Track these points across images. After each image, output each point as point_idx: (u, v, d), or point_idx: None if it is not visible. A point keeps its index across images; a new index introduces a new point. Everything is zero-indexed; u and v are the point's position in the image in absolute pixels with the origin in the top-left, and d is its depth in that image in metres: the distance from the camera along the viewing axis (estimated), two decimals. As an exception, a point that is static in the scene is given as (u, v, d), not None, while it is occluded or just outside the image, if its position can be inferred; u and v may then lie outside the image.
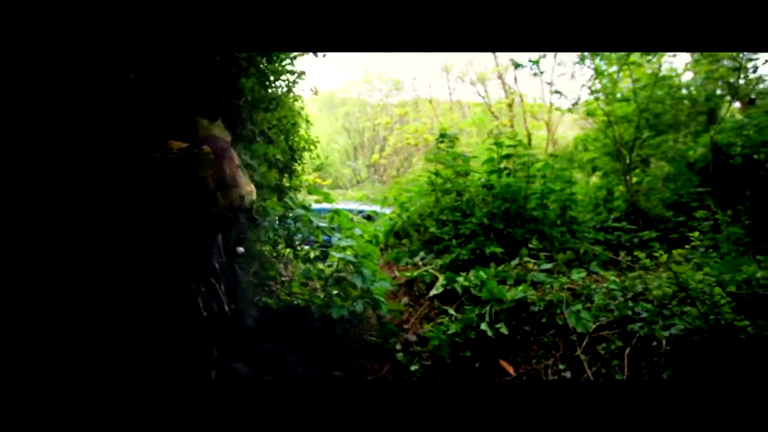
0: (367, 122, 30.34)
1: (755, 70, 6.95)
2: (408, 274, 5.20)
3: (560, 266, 4.82)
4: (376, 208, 7.70)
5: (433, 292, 4.87)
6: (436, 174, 6.33)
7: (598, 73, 8.09)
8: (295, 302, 4.44)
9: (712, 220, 4.94)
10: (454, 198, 6.23)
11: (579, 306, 4.08)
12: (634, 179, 6.82)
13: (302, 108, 4.73)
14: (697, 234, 3.35)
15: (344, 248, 4.21)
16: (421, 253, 5.85)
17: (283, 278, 4.77)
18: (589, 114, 8.51)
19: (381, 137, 31.30)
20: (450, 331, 4.12)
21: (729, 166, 6.34)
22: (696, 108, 8.21)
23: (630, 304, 3.98)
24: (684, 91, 8.41)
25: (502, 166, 6.13)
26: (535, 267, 4.87)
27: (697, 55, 8.14)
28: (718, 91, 8.40)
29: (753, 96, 7.84)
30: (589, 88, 7.84)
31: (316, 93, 4.58)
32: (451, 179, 6.26)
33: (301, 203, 4.16)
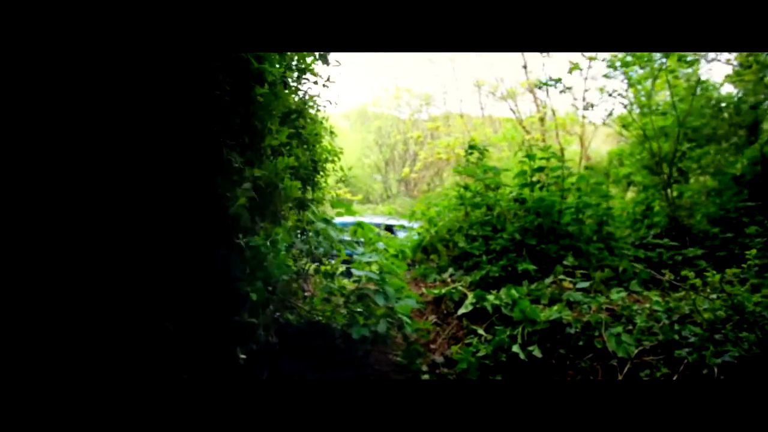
0: (399, 136, 30.33)
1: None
2: (436, 291, 4.98)
3: (598, 285, 4.53)
4: (405, 222, 7.51)
5: (461, 310, 4.63)
6: (466, 188, 6.11)
7: (631, 84, 7.79)
8: (317, 319, 4.26)
9: (766, 237, 4.57)
10: (485, 212, 5.99)
11: (619, 328, 3.78)
12: (674, 193, 6.46)
13: (326, 119, 4.59)
14: (754, 252, 3.03)
15: (368, 263, 4.02)
16: (450, 270, 5.62)
17: (305, 294, 4.61)
18: (624, 126, 8.20)
19: (412, 152, 31.27)
20: (480, 353, 3.88)
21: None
22: (737, 120, 7.82)
23: (676, 327, 3.67)
24: (723, 104, 8.06)
25: (534, 179, 5.87)
26: (571, 285, 4.58)
27: (737, 62, 7.75)
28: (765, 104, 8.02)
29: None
30: (622, 98, 7.57)
31: (334, 104, 4.47)
32: (481, 193, 6.03)
33: (323, 216, 3.99)
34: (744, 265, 3.17)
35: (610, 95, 8.02)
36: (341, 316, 4.14)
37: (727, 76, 8.25)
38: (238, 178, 3.03)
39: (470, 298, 4.66)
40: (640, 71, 7.78)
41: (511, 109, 23.98)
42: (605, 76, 8.13)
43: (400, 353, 4.24)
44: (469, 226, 5.99)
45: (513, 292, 4.33)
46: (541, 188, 5.84)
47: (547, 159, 5.80)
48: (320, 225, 3.79)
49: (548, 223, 5.44)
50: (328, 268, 4.17)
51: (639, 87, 7.88)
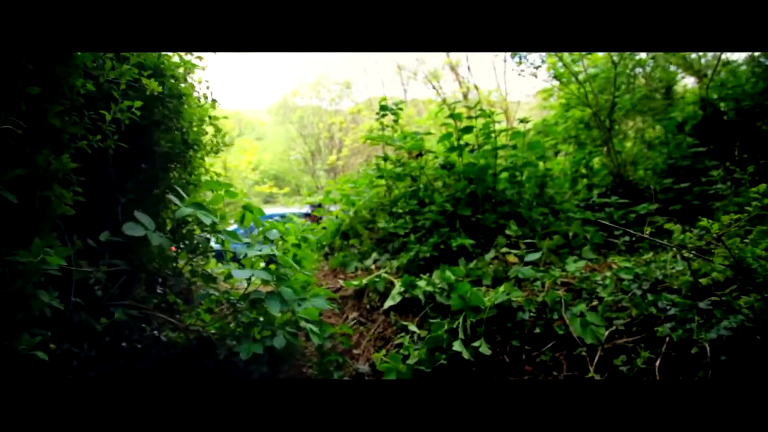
0: (321, 124, 29.40)
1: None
2: (356, 282, 4.04)
3: (548, 256, 3.76)
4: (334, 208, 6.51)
5: (388, 303, 3.74)
6: (385, 158, 5.20)
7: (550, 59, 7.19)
8: (206, 334, 3.25)
9: (730, 182, 3.96)
10: (409, 184, 5.13)
11: (582, 306, 3.01)
12: (616, 147, 5.84)
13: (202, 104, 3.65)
14: (764, 187, 2.29)
15: (258, 259, 3.05)
16: (374, 255, 4.72)
17: (191, 305, 3.59)
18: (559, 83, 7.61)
19: (337, 139, 30.51)
20: (412, 360, 2.99)
21: (722, 122, 5.43)
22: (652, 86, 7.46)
23: (650, 297, 2.94)
24: (639, 71, 7.77)
25: (462, 142, 5.06)
26: (517, 260, 3.79)
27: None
28: (672, 68, 7.76)
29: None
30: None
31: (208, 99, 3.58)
32: (402, 162, 5.15)
33: (193, 200, 2.97)
34: (733, 215, 2.44)
35: (536, 68, 7.44)
36: (231, 329, 3.16)
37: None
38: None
39: (397, 287, 3.77)
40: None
41: (434, 88, 23.52)
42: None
43: (314, 366, 3.32)
44: (392, 203, 5.10)
45: (448, 274, 3.47)
46: (471, 151, 5.03)
47: (474, 117, 4.98)
48: (185, 211, 2.75)
49: (482, 190, 4.63)
50: (205, 266, 3.17)
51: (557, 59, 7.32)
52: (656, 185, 5.22)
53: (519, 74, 6.96)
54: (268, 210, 8.25)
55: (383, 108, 4.98)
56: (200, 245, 3.10)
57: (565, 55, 7.14)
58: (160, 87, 2.74)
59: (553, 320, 3.00)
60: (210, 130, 3.81)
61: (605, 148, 6.50)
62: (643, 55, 6.65)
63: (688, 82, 8.47)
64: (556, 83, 9.22)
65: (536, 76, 7.59)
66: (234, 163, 24.62)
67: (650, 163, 5.36)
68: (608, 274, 3.51)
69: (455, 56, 19.40)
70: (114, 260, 2.97)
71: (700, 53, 7.24)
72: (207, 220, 2.74)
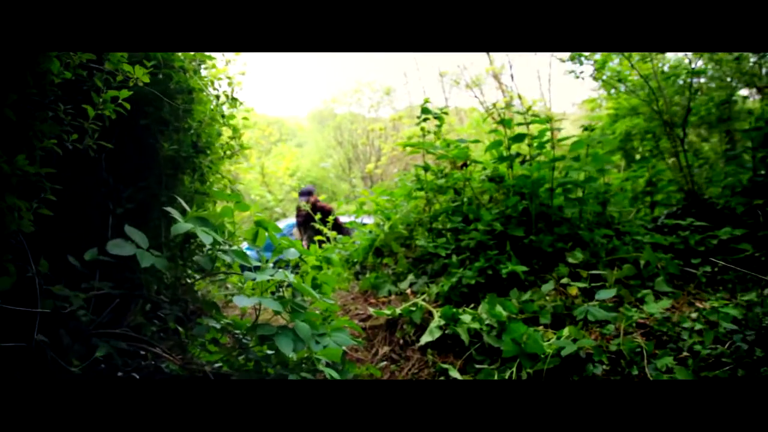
0: (360, 131, 29.15)
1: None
2: (388, 311, 3.50)
3: (620, 289, 3.14)
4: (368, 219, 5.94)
5: (425, 338, 3.17)
6: (425, 168, 4.66)
7: (600, 67, 6.50)
8: (209, 369, 2.77)
9: None
10: (452, 198, 4.56)
11: (668, 360, 2.40)
12: (688, 161, 5.12)
13: (223, 103, 3.22)
14: None
15: (269, 284, 2.55)
16: (410, 277, 4.17)
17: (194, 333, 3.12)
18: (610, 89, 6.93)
19: (376, 147, 30.19)
20: (453, 417, 2.43)
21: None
22: (708, 100, 6.69)
23: (758, 352, 2.30)
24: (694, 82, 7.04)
25: (513, 152, 4.47)
26: (579, 292, 3.18)
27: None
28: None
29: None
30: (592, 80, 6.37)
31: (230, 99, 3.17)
32: (445, 173, 4.59)
33: (198, 213, 2.50)
34: None
35: (577, 77, 6.79)
36: (240, 363, 2.67)
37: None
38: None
39: (436, 319, 3.21)
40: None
41: (477, 97, 22.92)
42: (571, 58, 6.85)
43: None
44: (432, 218, 4.55)
45: (499, 310, 2.89)
46: (522, 162, 4.44)
47: (527, 124, 4.38)
48: (182, 227, 2.28)
49: (536, 207, 4.03)
50: (209, 291, 2.69)
51: (606, 69, 6.63)
52: (737, 206, 4.51)
53: (575, 77, 6.26)
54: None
55: (425, 111, 4.42)
56: (206, 265, 2.62)
57: (614, 62, 6.51)
58: (148, 77, 2.27)
59: (632, 376, 2.40)
60: (229, 132, 3.37)
61: (671, 161, 5.81)
62: (700, 62, 5.94)
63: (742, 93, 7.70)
64: (603, 93, 8.53)
65: (585, 79, 6.98)
66: (272, 169, 24.55)
67: (730, 179, 4.64)
68: (694, 315, 2.88)
69: (498, 63, 18.73)
70: (103, 282, 2.54)
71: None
72: (206, 239, 2.25)
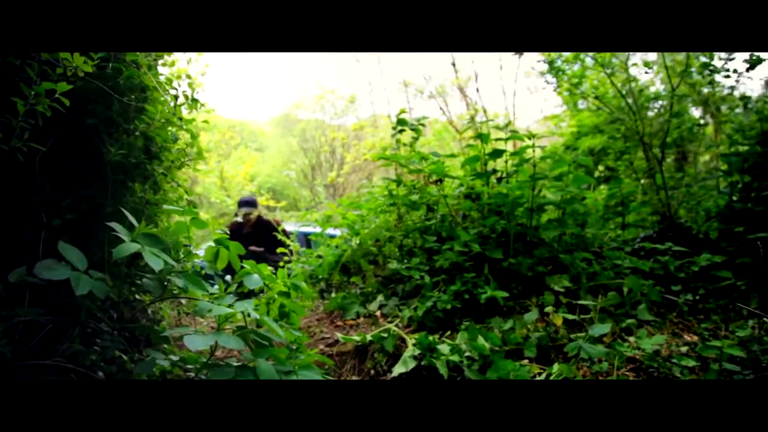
0: (323, 138, 28.82)
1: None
2: (357, 338, 3.22)
3: (605, 319, 2.95)
4: (335, 232, 5.47)
5: (398, 369, 2.90)
6: (398, 182, 4.42)
7: (560, 83, 6.41)
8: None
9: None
10: (425, 214, 4.34)
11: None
12: (662, 181, 5.05)
13: (182, 104, 2.87)
14: None
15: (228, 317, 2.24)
16: (379, 298, 3.90)
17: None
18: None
19: (339, 156, 29.94)
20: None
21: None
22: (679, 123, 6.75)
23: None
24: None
25: (489, 168, 4.29)
26: (559, 320, 2.98)
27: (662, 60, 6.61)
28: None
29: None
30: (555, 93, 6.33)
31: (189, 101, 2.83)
32: (418, 188, 4.36)
33: (145, 230, 2.17)
34: None
35: (544, 87, 6.75)
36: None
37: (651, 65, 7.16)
38: None
39: (410, 348, 2.95)
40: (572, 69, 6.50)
41: (441, 109, 22.92)
42: (541, 73, 6.73)
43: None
44: (404, 235, 4.31)
45: (481, 342, 2.65)
46: (499, 179, 4.26)
47: (505, 139, 4.20)
48: (128, 248, 1.95)
49: (514, 228, 3.84)
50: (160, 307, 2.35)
51: (584, 82, 6.56)
52: (712, 231, 4.46)
53: (547, 83, 6.14)
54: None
55: (401, 122, 4.18)
56: (155, 290, 2.28)
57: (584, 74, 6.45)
58: (90, 67, 1.95)
59: (628, 421, 2.19)
60: (186, 136, 3.04)
61: (644, 182, 5.76)
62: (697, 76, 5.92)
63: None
64: (566, 109, 8.50)
65: (549, 95, 6.94)
66: (232, 173, 23.92)
67: (706, 204, 4.58)
68: (683, 348, 2.72)
69: (463, 75, 18.74)
70: (33, 306, 2.18)
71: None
72: (156, 264, 1.92)
